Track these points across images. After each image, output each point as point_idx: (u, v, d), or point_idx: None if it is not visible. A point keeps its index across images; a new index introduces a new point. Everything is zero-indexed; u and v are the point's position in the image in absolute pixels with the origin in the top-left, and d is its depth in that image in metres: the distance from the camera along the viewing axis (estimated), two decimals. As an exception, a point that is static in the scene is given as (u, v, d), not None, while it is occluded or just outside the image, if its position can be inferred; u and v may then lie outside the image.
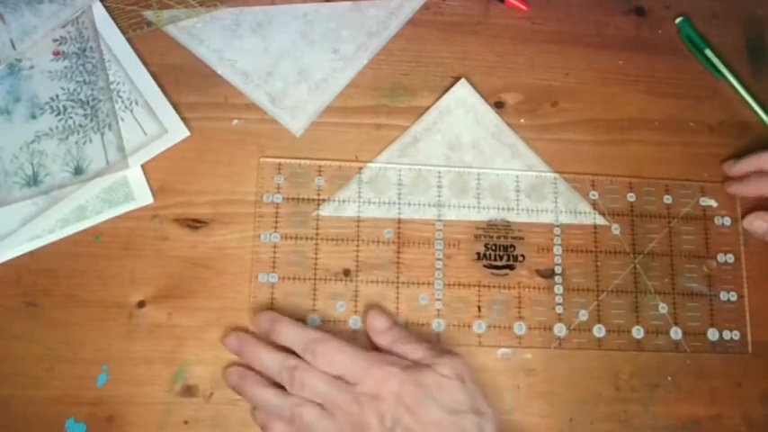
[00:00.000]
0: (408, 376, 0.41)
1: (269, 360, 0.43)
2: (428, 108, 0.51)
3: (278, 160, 0.49)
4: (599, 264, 0.49)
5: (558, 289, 0.49)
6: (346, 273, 0.48)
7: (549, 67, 0.53)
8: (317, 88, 0.51)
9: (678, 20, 0.55)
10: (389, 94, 0.52)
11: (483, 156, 0.50)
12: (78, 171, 0.47)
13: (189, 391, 0.45)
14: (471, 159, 0.50)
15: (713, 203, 0.51)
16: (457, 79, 0.52)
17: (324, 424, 0.40)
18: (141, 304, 0.46)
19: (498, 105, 0.52)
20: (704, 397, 0.48)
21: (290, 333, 0.43)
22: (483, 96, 0.52)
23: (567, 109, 0.52)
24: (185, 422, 0.44)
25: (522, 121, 0.52)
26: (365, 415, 0.40)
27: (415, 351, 0.43)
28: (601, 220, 0.50)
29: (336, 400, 0.40)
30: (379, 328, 0.45)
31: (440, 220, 0.49)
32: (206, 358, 0.45)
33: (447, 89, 0.52)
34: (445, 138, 0.51)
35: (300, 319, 0.46)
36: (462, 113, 0.51)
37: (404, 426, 0.39)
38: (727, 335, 0.49)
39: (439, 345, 0.44)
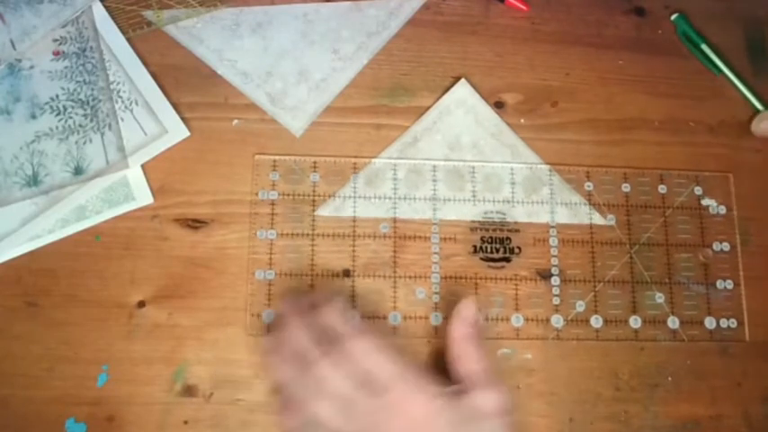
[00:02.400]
0: (444, 401, 0.38)
1: (305, 331, 0.40)
2: (428, 108, 0.51)
3: (273, 157, 0.49)
4: (595, 255, 0.49)
5: (555, 280, 0.49)
6: (343, 269, 0.48)
7: (549, 67, 0.53)
8: (317, 88, 0.51)
9: (674, 16, 0.55)
10: (389, 94, 0.52)
11: (483, 156, 0.50)
12: (78, 171, 0.47)
13: (189, 391, 0.45)
14: (471, 159, 0.50)
15: (713, 203, 0.51)
16: (457, 79, 0.52)
17: (335, 424, 0.37)
18: (141, 304, 0.46)
19: (498, 105, 0.52)
20: (704, 397, 0.48)
21: (333, 317, 0.40)
22: (483, 96, 0.52)
23: (567, 109, 0.52)
24: (185, 422, 0.44)
25: (522, 121, 0.52)
26: (382, 428, 0.37)
27: (476, 362, 0.41)
28: (596, 212, 0.50)
29: (357, 403, 0.37)
30: (465, 316, 0.43)
31: (435, 215, 0.49)
32: (206, 358, 0.45)
33: (447, 89, 0.52)
34: (445, 138, 0.51)
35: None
36: (462, 114, 0.51)
37: None
38: (724, 323, 0.49)
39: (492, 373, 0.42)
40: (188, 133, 0.49)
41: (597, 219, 0.50)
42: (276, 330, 0.42)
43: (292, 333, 0.40)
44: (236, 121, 0.50)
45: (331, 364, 0.38)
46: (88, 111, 0.49)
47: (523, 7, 0.54)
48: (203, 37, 0.51)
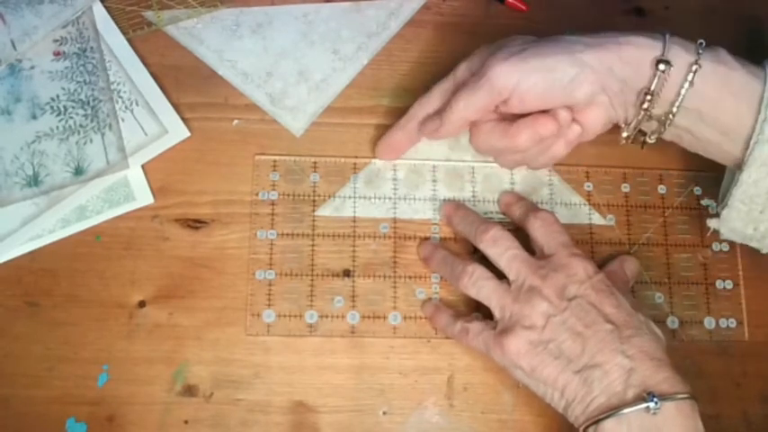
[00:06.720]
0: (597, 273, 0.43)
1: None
2: (424, 108, 0.51)
3: (273, 157, 0.49)
4: (595, 255, 0.49)
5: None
6: (343, 269, 0.48)
7: (549, 67, 0.53)
8: (317, 89, 0.51)
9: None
10: (389, 94, 0.52)
11: (483, 156, 0.50)
12: (79, 171, 0.48)
13: (189, 390, 0.45)
14: (471, 159, 0.50)
15: (713, 203, 0.51)
16: (457, 79, 0.52)
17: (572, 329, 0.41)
18: (142, 304, 0.46)
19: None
20: (703, 397, 0.47)
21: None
22: (483, 96, 0.52)
23: (567, 109, 0.52)
24: (185, 422, 0.44)
25: (522, 121, 0.52)
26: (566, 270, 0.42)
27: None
28: (596, 212, 0.50)
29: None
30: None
31: (435, 215, 0.49)
32: (206, 358, 0.45)
33: (447, 89, 0.52)
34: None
35: (298, 315, 0.47)
36: (462, 114, 0.51)
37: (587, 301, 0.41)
38: (723, 323, 0.49)
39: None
40: (188, 133, 0.49)
41: (597, 219, 0.50)
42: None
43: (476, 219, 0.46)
44: (236, 122, 0.50)
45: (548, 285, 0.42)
46: (89, 111, 0.49)
47: (523, 8, 0.54)
48: (203, 37, 0.51)
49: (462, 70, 0.45)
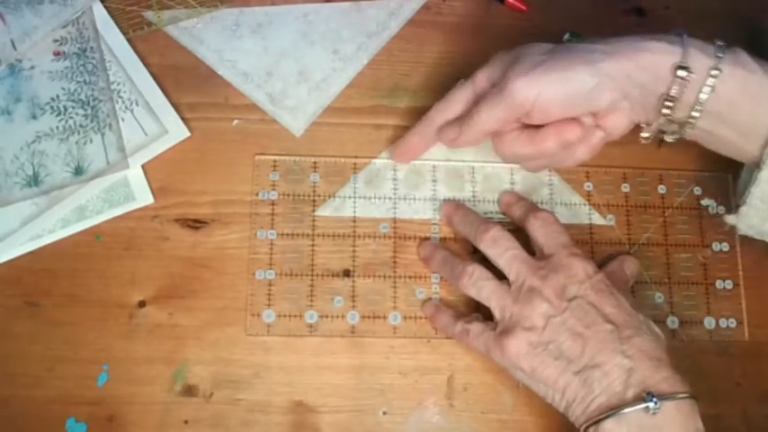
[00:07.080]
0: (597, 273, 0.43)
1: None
2: (428, 109, 0.51)
3: (273, 157, 0.49)
4: (595, 255, 0.49)
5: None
6: (343, 269, 0.48)
7: (549, 67, 0.53)
8: (317, 89, 0.51)
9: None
10: (389, 94, 0.52)
11: (483, 156, 0.50)
12: (79, 171, 0.48)
13: (189, 390, 0.45)
14: (471, 160, 0.50)
15: (712, 203, 0.51)
16: (457, 80, 0.52)
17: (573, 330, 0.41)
18: (142, 304, 0.46)
19: (498, 105, 0.52)
20: (703, 397, 0.48)
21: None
22: (483, 96, 0.52)
23: (567, 109, 0.52)
24: (185, 422, 0.44)
25: (522, 121, 0.52)
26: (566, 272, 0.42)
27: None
28: (596, 212, 0.50)
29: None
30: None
31: (435, 215, 0.49)
32: (206, 358, 0.45)
33: (447, 89, 0.52)
34: (445, 138, 0.51)
35: (298, 315, 0.47)
36: (462, 114, 0.51)
37: (586, 301, 0.41)
38: (723, 323, 0.49)
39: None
40: (188, 133, 0.49)
41: (597, 219, 0.50)
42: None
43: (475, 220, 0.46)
44: (236, 122, 0.50)
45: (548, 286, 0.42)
46: (89, 111, 0.49)
47: (523, 7, 0.54)
48: (203, 37, 0.51)
49: (481, 78, 0.45)
